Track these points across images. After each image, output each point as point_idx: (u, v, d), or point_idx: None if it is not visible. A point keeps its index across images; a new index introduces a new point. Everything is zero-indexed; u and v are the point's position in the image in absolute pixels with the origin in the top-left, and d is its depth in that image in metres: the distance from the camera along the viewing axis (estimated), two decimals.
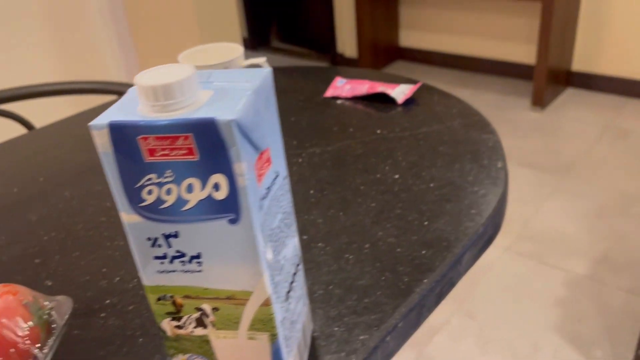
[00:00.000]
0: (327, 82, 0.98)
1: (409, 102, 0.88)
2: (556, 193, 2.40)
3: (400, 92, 0.88)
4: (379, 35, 3.71)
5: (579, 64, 3.19)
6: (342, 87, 0.93)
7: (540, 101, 3.03)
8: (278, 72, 1.06)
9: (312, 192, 0.67)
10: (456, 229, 0.58)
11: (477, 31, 3.51)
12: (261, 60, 0.79)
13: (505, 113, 3.09)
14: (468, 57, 3.62)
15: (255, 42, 4.61)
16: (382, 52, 3.80)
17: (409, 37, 3.86)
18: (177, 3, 2.72)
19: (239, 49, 0.82)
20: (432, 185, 0.66)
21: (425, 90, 0.91)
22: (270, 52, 4.52)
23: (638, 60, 2.99)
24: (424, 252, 0.55)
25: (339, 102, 0.91)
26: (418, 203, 0.63)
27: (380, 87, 0.89)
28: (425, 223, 0.59)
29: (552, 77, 3.03)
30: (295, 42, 4.58)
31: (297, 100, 0.93)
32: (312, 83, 0.99)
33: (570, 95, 3.20)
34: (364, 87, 0.90)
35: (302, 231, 0.60)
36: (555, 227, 2.21)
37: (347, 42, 3.86)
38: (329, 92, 0.93)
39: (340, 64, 3.99)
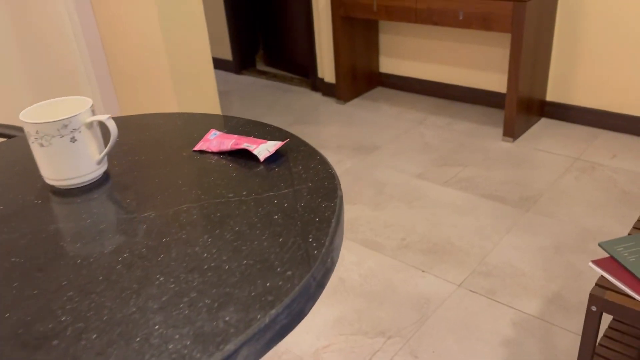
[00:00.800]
0: (208, 131, 0.95)
1: (272, 159, 0.84)
2: (516, 227, 2.35)
3: (263, 149, 0.84)
4: (357, 61, 3.69)
5: (553, 95, 3.15)
6: (212, 140, 0.90)
7: (511, 131, 2.99)
8: (163, 118, 1.03)
9: (119, 267, 0.63)
10: (242, 319, 0.54)
11: (455, 60, 3.49)
12: (103, 117, 0.76)
13: (478, 142, 3.05)
14: (446, 85, 3.59)
15: (240, 65, 4.61)
16: (361, 78, 3.78)
17: (389, 64, 3.84)
18: (147, 32, 2.72)
19: (86, 103, 0.79)
20: (245, 262, 0.62)
21: (293, 147, 0.88)
22: (255, 75, 4.52)
23: (611, 92, 2.95)
24: (194, 348, 0.51)
25: (205, 156, 0.88)
26: (219, 285, 0.59)
27: (245, 144, 0.86)
28: (214, 310, 0.56)
29: (524, 107, 2.99)
30: (279, 66, 4.58)
31: (165, 153, 0.90)
32: (191, 132, 0.96)
33: (543, 126, 3.15)
34: (229, 142, 0.87)
35: (77, 318, 0.56)
36: (511, 262, 2.15)
37: (326, 67, 3.84)
38: (199, 145, 0.90)
39: (321, 89, 3.97)
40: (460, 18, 2.88)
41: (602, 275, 1.35)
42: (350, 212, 2.53)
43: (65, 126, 0.75)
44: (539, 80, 3.05)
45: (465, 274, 2.13)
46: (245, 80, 4.44)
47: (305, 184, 0.76)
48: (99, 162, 0.81)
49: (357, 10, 3.34)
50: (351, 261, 2.23)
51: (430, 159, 2.92)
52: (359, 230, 2.41)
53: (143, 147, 0.92)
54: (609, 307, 1.30)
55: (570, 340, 1.78)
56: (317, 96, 3.93)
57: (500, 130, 3.14)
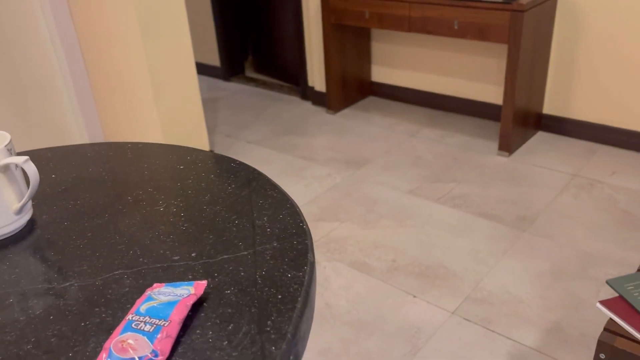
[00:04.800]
0: None
1: (234, 205, 0.71)
2: (513, 249, 2.22)
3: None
4: (349, 70, 3.56)
5: (550, 108, 3.04)
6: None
7: (507, 146, 2.86)
8: (111, 148, 0.89)
9: None
10: None
11: (449, 70, 3.36)
12: (20, 159, 0.62)
13: (472, 156, 2.93)
14: (440, 95, 3.47)
15: (229, 71, 4.47)
16: (352, 87, 3.65)
17: (381, 73, 3.71)
18: (127, 38, 2.58)
19: (1, 140, 0.65)
20: None
21: (261, 190, 0.74)
22: (244, 82, 4.39)
23: (610, 106, 2.83)
24: None
25: (153, 201, 0.74)
26: None
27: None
28: None
29: (520, 120, 2.87)
30: (269, 73, 4.45)
31: (106, 196, 0.76)
32: (141, 168, 0.82)
33: (540, 140, 3.03)
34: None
35: None
36: (507, 289, 2.03)
37: (316, 75, 3.71)
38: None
39: (311, 98, 3.84)
40: (456, 28, 2.76)
41: (610, 319, 1.22)
42: (339, 231, 2.40)
43: None
44: (536, 92, 2.93)
45: (459, 300, 2.00)
46: (234, 87, 4.30)
47: (269, 242, 0.63)
48: (18, 212, 0.67)
49: (349, 18, 3.21)
50: (339, 285, 2.10)
51: (423, 175, 2.80)
52: (347, 251, 2.28)
53: (82, 187, 0.78)
54: (620, 356, 1.17)
55: None
56: (307, 105, 3.80)
57: (495, 144, 3.02)
